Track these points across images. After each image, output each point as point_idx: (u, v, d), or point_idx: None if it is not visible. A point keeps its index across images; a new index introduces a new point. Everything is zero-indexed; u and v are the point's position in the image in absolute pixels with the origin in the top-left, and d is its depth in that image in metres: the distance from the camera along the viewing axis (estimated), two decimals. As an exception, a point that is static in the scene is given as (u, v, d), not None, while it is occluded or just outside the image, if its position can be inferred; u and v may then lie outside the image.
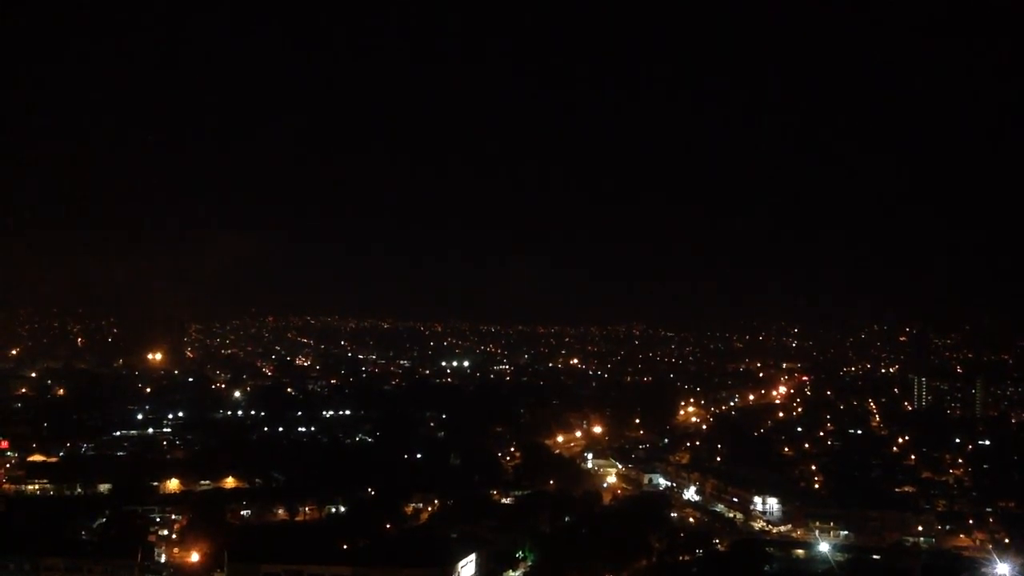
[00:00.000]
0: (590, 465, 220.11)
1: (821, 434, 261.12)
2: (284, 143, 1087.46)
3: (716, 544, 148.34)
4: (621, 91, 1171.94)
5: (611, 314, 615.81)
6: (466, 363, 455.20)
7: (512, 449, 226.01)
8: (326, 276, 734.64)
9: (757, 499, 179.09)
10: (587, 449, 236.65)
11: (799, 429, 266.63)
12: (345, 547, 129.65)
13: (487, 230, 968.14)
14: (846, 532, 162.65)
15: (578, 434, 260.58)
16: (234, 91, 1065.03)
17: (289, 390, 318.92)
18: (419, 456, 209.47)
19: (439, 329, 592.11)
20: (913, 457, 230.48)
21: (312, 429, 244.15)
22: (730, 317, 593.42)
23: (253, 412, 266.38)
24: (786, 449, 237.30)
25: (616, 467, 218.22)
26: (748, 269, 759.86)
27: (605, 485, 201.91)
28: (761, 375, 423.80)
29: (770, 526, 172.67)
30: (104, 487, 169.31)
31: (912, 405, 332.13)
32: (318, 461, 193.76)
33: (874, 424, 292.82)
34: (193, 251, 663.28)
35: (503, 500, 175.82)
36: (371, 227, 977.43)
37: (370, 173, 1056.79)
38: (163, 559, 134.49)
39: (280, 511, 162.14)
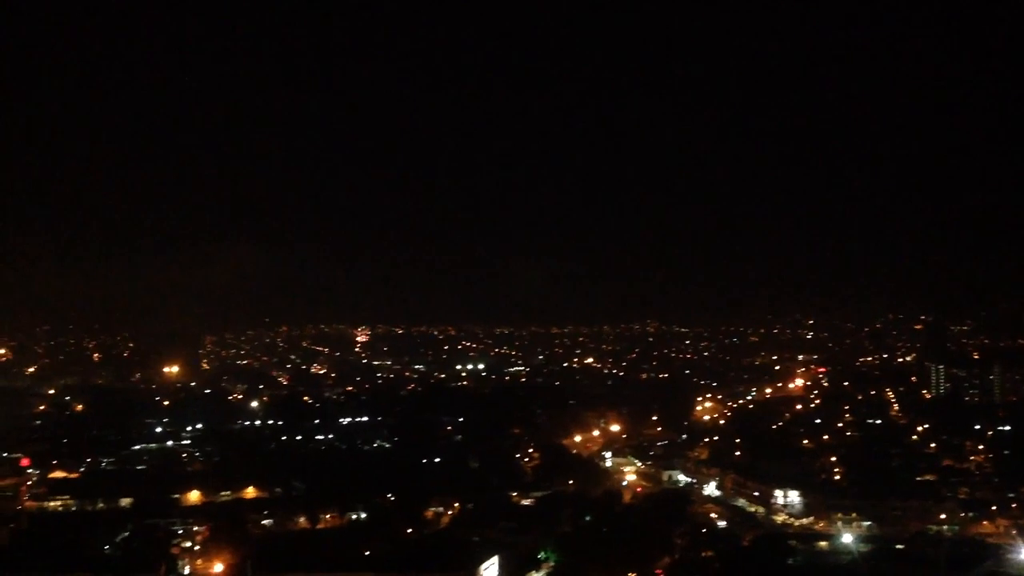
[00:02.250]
0: (609, 464, 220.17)
1: (840, 425, 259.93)
2: (294, 153, 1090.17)
3: (739, 539, 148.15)
4: (629, 88, 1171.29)
5: (625, 312, 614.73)
6: (480, 366, 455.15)
7: (530, 450, 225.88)
8: (338, 284, 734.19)
9: (778, 492, 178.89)
10: (605, 448, 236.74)
11: (817, 421, 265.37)
12: (367, 553, 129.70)
13: (497, 232, 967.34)
14: (869, 523, 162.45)
15: (595, 433, 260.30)
16: (245, 102, 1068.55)
17: (305, 398, 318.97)
18: (437, 460, 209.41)
19: (452, 333, 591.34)
20: (933, 445, 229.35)
21: (330, 436, 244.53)
22: (744, 311, 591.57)
23: (270, 421, 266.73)
24: (805, 441, 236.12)
25: (635, 465, 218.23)
26: (761, 262, 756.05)
27: (624, 483, 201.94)
28: (777, 368, 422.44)
29: (792, 519, 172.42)
30: (125, 501, 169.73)
31: (930, 393, 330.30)
32: (337, 468, 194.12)
33: (893, 413, 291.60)
34: (205, 263, 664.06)
35: (523, 502, 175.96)
36: (381, 233, 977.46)
37: (380, 179, 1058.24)
38: (186, 571, 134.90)
39: (301, 519, 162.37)
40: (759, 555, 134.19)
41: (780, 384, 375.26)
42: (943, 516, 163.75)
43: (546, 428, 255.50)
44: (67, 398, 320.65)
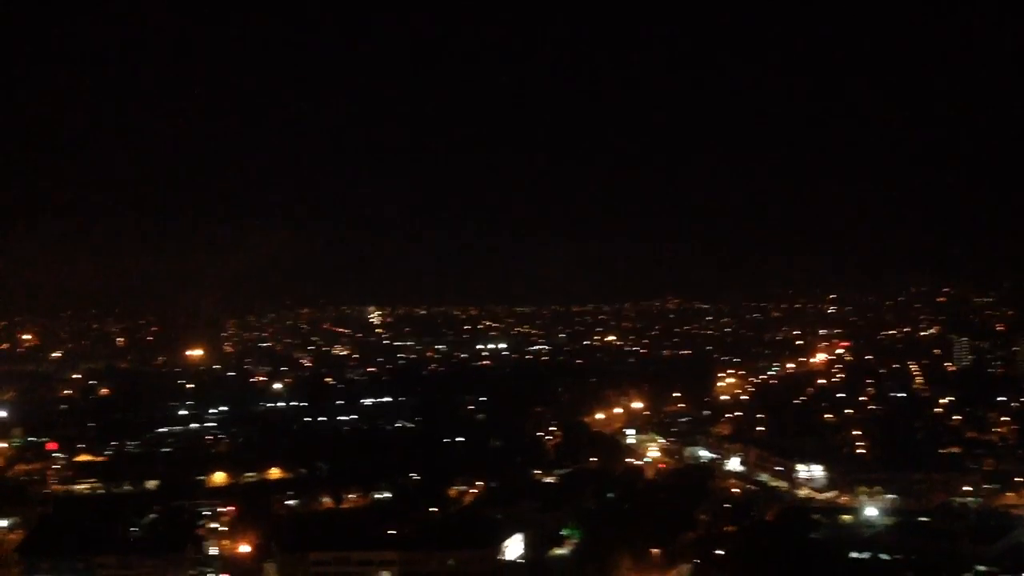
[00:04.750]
0: (631, 440, 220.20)
1: (863, 399, 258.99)
2: (315, 136, 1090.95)
3: (762, 514, 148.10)
4: (641, 64, 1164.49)
5: (645, 290, 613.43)
6: (502, 345, 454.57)
7: (553, 428, 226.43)
8: (358, 265, 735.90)
9: (801, 467, 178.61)
10: (627, 425, 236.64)
11: (840, 395, 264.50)
12: (392, 532, 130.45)
13: (516, 212, 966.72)
14: (892, 496, 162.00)
15: (618, 410, 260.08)
16: (268, 87, 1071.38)
17: (328, 380, 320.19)
18: (460, 440, 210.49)
19: (474, 313, 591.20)
20: (957, 417, 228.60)
21: (353, 417, 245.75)
22: (766, 286, 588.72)
23: (294, 403, 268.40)
24: (828, 416, 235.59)
25: (657, 441, 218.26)
26: (781, 236, 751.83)
27: (647, 460, 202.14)
28: (799, 343, 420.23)
29: (815, 493, 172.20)
30: (151, 484, 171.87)
31: (954, 366, 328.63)
32: (360, 449, 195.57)
33: (916, 386, 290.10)
34: (227, 247, 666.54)
35: (546, 479, 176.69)
36: (401, 214, 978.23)
37: (399, 160, 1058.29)
38: (213, 552, 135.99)
39: (326, 499, 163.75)
40: (783, 529, 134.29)
41: (802, 359, 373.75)
42: (967, 488, 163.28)
43: (568, 406, 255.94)
44: (92, 382, 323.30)
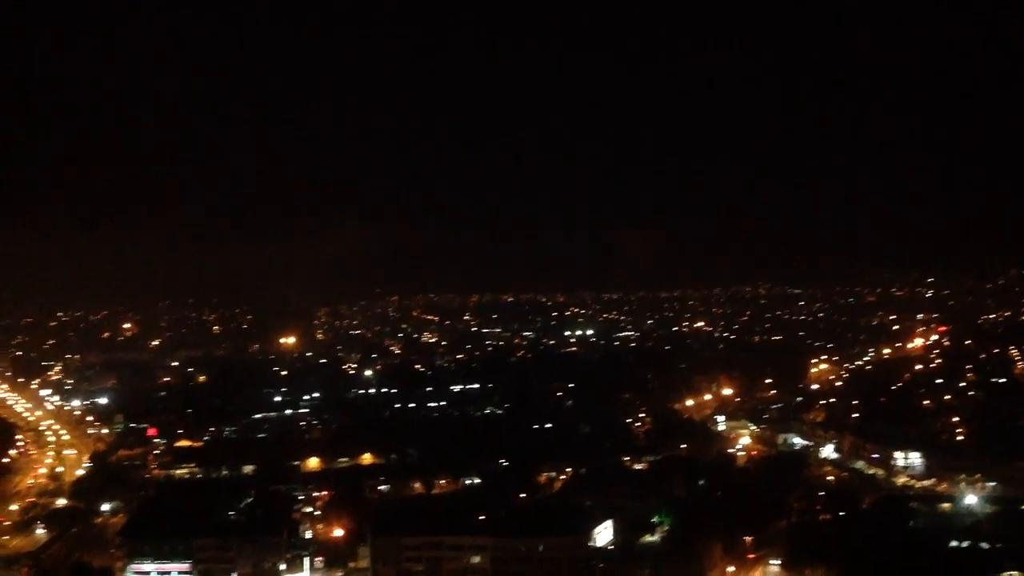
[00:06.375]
0: (722, 427, 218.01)
1: (962, 385, 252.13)
2: (402, 126, 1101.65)
3: (857, 502, 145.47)
4: (735, 53, 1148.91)
5: (735, 275, 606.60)
6: (590, 332, 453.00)
7: (641, 415, 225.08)
8: (446, 253, 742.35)
9: (898, 454, 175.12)
10: (718, 411, 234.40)
11: (938, 381, 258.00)
12: (482, 518, 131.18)
13: (605, 198, 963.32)
14: (993, 484, 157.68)
15: (708, 397, 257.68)
16: (355, 79, 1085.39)
17: (418, 367, 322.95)
18: (549, 426, 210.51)
19: (561, 299, 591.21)
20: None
21: (442, 404, 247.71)
22: (860, 270, 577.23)
23: (384, 390, 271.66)
24: (926, 402, 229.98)
25: (749, 428, 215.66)
26: (876, 219, 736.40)
27: (739, 447, 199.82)
28: (895, 328, 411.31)
29: (913, 481, 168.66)
30: (248, 469, 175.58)
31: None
32: (450, 435, 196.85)
33: (1017, 372, 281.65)
34: (318, 236, 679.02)
35: (635, 466, 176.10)
36: (489, 202, 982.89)
37: (488, 150, 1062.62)
38: (308, 535, 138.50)
39: (417, 485, 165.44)
40: (880, 518, 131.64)
41: (899, 344, 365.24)
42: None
43: (657, 392, 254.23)
44: (190, 370, 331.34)
